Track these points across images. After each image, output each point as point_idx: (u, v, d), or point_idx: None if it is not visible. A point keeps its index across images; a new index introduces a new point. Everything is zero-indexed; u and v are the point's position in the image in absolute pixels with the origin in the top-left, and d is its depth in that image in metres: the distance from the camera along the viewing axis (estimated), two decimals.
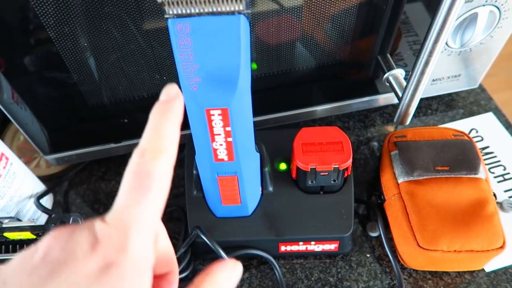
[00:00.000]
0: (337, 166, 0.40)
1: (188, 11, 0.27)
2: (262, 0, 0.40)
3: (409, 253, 0.41)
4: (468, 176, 0.42)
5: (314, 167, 0.40)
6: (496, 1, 0.43)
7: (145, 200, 0.18)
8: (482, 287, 0.42)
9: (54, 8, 0.35)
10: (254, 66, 0.48)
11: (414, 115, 0.57)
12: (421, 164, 0.42)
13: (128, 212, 0.17)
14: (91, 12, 0.36)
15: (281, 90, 0.50)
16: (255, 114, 0.52)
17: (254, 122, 0.53)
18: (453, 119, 0.56)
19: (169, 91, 0.21)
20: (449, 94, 0.58)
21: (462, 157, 0.42)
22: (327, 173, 0.41)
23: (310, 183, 0.42)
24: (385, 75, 0.49)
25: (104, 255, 0.16)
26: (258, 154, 0.39)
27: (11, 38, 0.37)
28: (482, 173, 0.42)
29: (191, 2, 0.27)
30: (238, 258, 0.43)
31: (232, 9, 0.27)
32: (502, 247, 0.38)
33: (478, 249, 0.38)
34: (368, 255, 0.44)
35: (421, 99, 0.58)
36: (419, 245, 0.39)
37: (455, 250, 0.38)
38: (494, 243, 0.38)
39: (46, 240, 0.17)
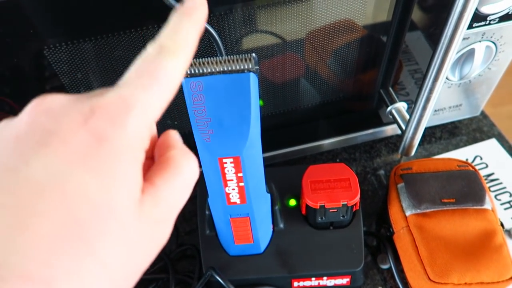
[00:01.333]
0: (346, 202, 0.41)
1: (201, 71, 0.29)
2: (267, 40, 0.42)
3: (421, 286, 0.41)
4: (475, 207, 0.43)
5: (323, 204, 0.41)
6: (492, 37, 0.45)
7: (152, 87, 0.17)
8: None
9: (66, 56, 0.37)
10: (261, 102, 0.49)
11: (419, 144, 0.58)
12: (428, 197, 0.43)
13: (133, 93, 0.17)
14: (102, 56, 0.38)
15: (288, 127, 0.52)
16: (262, 150, 0.54)
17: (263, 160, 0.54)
18: (456, 146, 0.57)
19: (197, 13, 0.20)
20: (452, 122, 0.60)
21: (468, 189, 0.43)
22: (336, 210, 0.42)
23: (320, 219, 0.43)
24: (388, 109, 0.50)
25: (98, 128, 0.16)
26: (269, 195, 0.41)
27: (25, 85, 0.39)
28: (488, 203, 0.43)
29: (203, 63, 0.29)
30: None
31: (242, 67, 0.29)
32: None
33: (489, 281, 0.39)
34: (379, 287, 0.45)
35: (425, 128, 0.59)
36: (430, 279, 0.40)
37: (465, 283, 0.39)
38: (504, 274, 0.39)
39: (32, 106, 0.16)
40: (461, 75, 0.49)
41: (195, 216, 0.53)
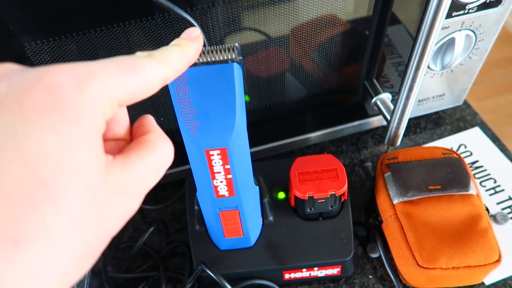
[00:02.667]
0: (334, 192, 0.41)
1: None
2: (251, 35, 0.42)
3: (410, 272, 0.42)
4: (460, 193, 0.43)
5: (312, 195, 0.41)
6: (471, 26, 0.46)
7: (124, 74, 0.18)
8: None
9: (49, 53, 0.36)
10: (247, 97, 0.50)
11: (404, 135, 0.59)
12: (414, 185, 0.44)
13: (103, 67, 0.17)
14: (85, 53, 0.37)
15: (274, 121, 0.52)
16: (250, 145, 0.54)
17: (251, 153, 0.55)
18: (441, 136, 0.58)
19: (190, 33, 0.25)
20: (436, 112, 0.61)
21: (453, 175, 0.44)
22: (324, 200, 0.42)
23: (308, 210, 0.43)
24: (373, 100, 0.51)
25: (55, 86, 0.16)
26: (257, 187, 0.41)
27: None
28: (473, 189, 0.44)
29: None
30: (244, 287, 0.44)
31: (226, 58, 0.29)
32: (498, 260, 0.40)
33: (476, 264, 0.40)
34: (371, 276, 0.45)
35: (410, 119, 0.60)
36: (418, 264, 0.40)
37: (453, 267, 0.40)
38: (490, 257, 0.40)
39: None
40: (443, 65, 0.50)
41: (184, 213, 0.53)
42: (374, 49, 0.49)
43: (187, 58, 0.23)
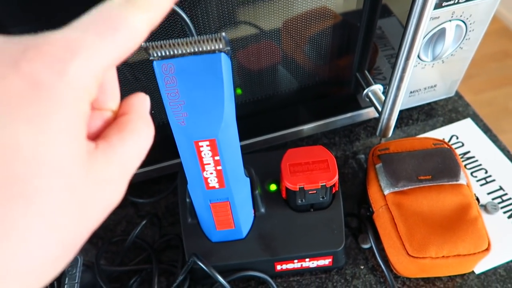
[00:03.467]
0: (324, 183, 0.42)
1: (172, 53, 0.29)
2: (243, 28, 0.42)
3: (401, 262, 0.42)
4: (450, 183, 0.43)
5: (303, 186, 0.42)
6: (461, 16, 0.46)
7: (106, 35, 0.16)
8: None
9: None
10: (239, 91, 0.50)
11: (396, 126, 0.59)
12: (405, 175, 0.44)
13: (82, 36, 0.16)
14: None
15: (267, 113, 0.52)
16: (243, 138, 0.54)
17: (243, 146, 0.55)
18: (433, 127, 0.58)
19: None
20: (428, 104, 0.61)
21: (443, 165, 0.44)
22: (315, 191, 0.43)
23: (300, 202, 0.43)
24: (365, 91, 0.51)
25: (32, 72, 0.14)
26: (248, 179, 0.41)
27: None
28: (463, 179, 0.44)
29: (174, 45, 0.28)
30: (236, 280, 0.44)
31: (213, 48, 0.29)
32: (487, 249, 0.40)
33: (465, 253, 0.40)
34: (362, 267, 0.46)
35: (402, 110, 0.60)
36: (408, 254, 0.40)
37: (443, 256, 0.40)
38: (480, 246, 0.40)
39: None
40: (434, 55, 0.50)
41: (177, 207, 0.53)
42: (365, 41, 0.49)
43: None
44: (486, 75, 1.88)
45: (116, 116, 0.20)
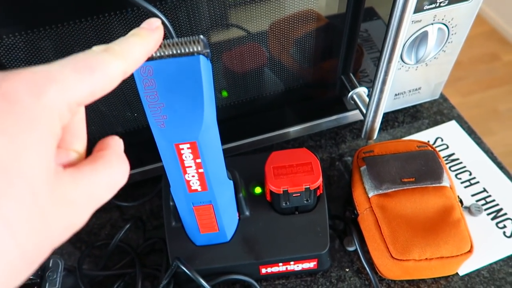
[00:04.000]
0: (308, 186, 0.41)
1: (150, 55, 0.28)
2: (228, 31, 0.42)
3: (385, 264, 0.42)
4: (433, 185, 0.44)
5: (286, 189, 0.42)
6: (443, 19, 0.47)
7: (83, 73, 0.18)
8: None
9: (24, 53, 0.36)
10: (225, 93, 0.49)
11: (382, 129, 0.59)
12: (388, 178, 0.44)
13: (61, 70, 0.17)
14: (60, 53, 0.37)
15: (252, 116, 0.52)
16: (228, 140, 0.54)
17: (228, 149, 0.54)
18: (419, 129, 0.59)
19: (151, 23, 0.24)
20: (414, 106, 0.61)
21: (426, 168, 0.44)
22: (299, 194, 0.42)
23: (284, 205, 0.43)
24: (349, 94, 0.51)
25: (11, 92, 0.16)
26: (231, 182, 0.41)
27: None
28: (446, 181, 0.44)
29: None
30: (220, 284, 0.44)
31: (191, 50, 0.28)
32: (470, 251, 0.40)
33: (448, 255, 0.40)
34: (347, 270, 0.46)
35: (387, 113, 0.61)
36: (392, 257, 0.41)
37: (426, 258, 0.40)
38: (462, 248, 0.40)
39: None
40: (417, 58, 0.50)
41: (162, 210, 0.52)
42: (349, 44, 0.49)
43: (146, 48, 0.23)
44: (474, 77, 1.90)
45: (91, 153, 0.21)
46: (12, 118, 0.15)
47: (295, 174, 0.42)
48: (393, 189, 0.44)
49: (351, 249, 0.47)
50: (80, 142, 0.21)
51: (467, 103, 1.91)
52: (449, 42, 0.50)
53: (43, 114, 0.16)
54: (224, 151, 0.49)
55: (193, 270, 0.40)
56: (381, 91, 0.44)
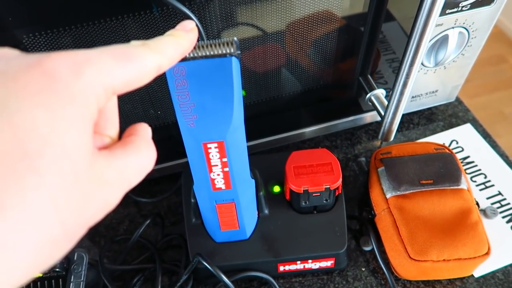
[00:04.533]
0: (328, 186, 0.42)
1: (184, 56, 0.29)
2: (248, 31, 0.42)
3: (402, 264, 0.43)
4: (451, 187, 0.44)
5: (307, 188, 0.42)
6: (464, 23, 0.47)
7: (119, 61, 0.18)
8: None
9: (46, 46, 0.36)
10: (243, 92, 0.50)
11: (397, 130, 0.60)
12: (407, 179, 0.45)
13: (99, 55, 0.18)
14: (82, 46, 0.38)
15: (270, 115, 0.53)
16: (246, 139, 0.55)
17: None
18: (434, 132, 0.59)
19: (185, 25, 0.25)
20: (429, 108, 0.62)
21: (445, 170, 0.45)
22: (319, 194, 0.43)
23: (303, 204, 0.44)
24: (367, 96, 0.52)
25: (52, 69, 0.16)
26: (253, 180, 0.41)
27: None
28: (464, 183, 0.45)
29: None
30: (239, 280, 0.45)
31: (224, 52, 0.29)
32: (487, 253, 0.41)
33: (466, 257, 0.41)
34: (363, 269, 0.46)
35: (403, 115, 0.61)
36: (410, 257, 0.41)
37: (444, 260, 0.41)
38: (480, 250, 0.41)
39: None
40: (436, 61, 0.51)
41: (180, 207, 0.53)
42: (369, 45, 0.49)
43: (181, 48, 0.24)
44: (481, 80, 1.90)
45: (122, 138, 0.22)
46: (54, 94, 0.16)
47: (316, 174, 0.43)
48: (412, 191, 0.44)
49: (367, 249, 0.47)
50: (113, 128, 0.22)
51: (474, 105, 1.90)
52: (468, 46, 0.50)
53: (82, 93, 0.17)
54: None
55: (214, 266, 0.41)
56: (401, 93, 0.44)
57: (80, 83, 0.17)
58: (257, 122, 0.53)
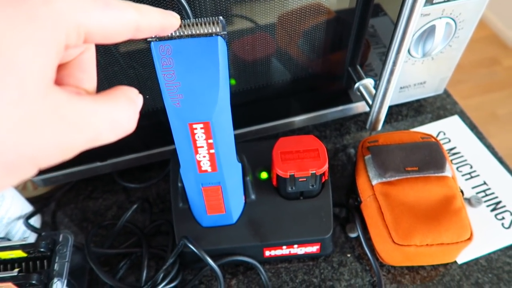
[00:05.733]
0: (314, 171, 0.42)
1: (170, 35, 0.29)
2: (238, 19, 0.43)
3: (386, 250, 0.43)
4: (436, 174, 0.45)
5: (293, 173, 0.42)
6: (451, 14, 0.47)
7: (97, 3, 0.18)
8: (455, 278, 0.45)
9: None
10: (233, 81, 0.50)
11: (386, 121, 0.60)
12: (393, 166, 0.45)
13: None
14: None
15: (259, 103, 0.53)
16: (235, 127, 0.55)
17: (235, 135, 0.55)
18: (422, 123, 0.60)
19: (169, 12, 0.25)
20: (418, 100, 0.62)
21: (430, 158, 0.45)
22: (305, 179, 0.43)
23: (290, 189, 0.44)
24: (356, 85, 0.52)
25: None
26: (239, 164, 0.42)
27: None
28: (448, 171, 0.45)
29: None
30: (225, 265, 0.45)
31: (210, 31, 0.29)
32: (470, 238, 0.41)
33: (448, 242, 0.41)
34: (349, 255, 0.47)
35: (392, 106, 0.62)
36: (394, 242, 0.42)
37: (427, 244, 0.41)
38: (462, 235, 0.41)
39: None
40: (424, 52, 0.51)
41: (169, 193, 0.53)
42: (357, 37, 0.50)
43: (162, 19, 0.23)
44: (474, 81, 1.91)
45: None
46: (18, 8, 0.15)
47: (302, 160, 0.43)
48: (397, 178, 0.45)
49: (353, 235, 0.48)
50: (90, 82, 0.21)
51: (467, 106, 1.91)
52: (455, 37, 0.51)
53: (50, 17, 0.16)
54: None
55: (201, 249, 0.41)
56: (388, 81, 0.44)
57: (49, 8, 0.16)
58: (247, 110, 0.53)
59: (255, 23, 0.43)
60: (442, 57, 0.54)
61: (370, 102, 0.50)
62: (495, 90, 1.90)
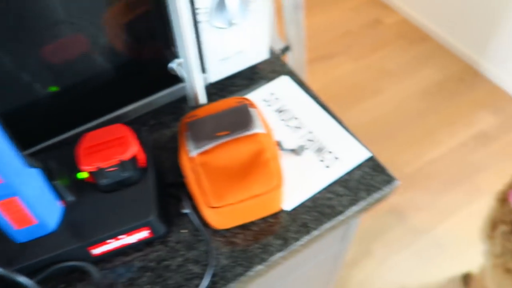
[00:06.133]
0: (121, 158, 0.42)
1: None
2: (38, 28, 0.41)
3: (209, 216, 0.44)
4: (246, 134, 0.46)
5: (99, 165, 0.42)
6: None
7: None
8: (285, 223, 0.47)
9: None
10: (53, 89, 0.48)
11: (220, 95, 0.61)
12: (205, 135, 0.46)
13: None
14: None
15: (84, 101, 0.51)
16: (62, 131, 0.53)
17: (68, 138, 0.53)
18: (254, 90, 0.62)
19: None
20: (250, 69, 0.64)
21: (239, 120, 0.47)
22: (116, 168, 0.43)
23: (104, 182, 0.43)
24: (169, 65, 0.52)
25: None
26: (34, 170, 0.40)
27: None
28: (259, 128, 0.47)
29: None
30: (54, 275, 0.43)
31: None
32: (278, 185, 0.43)
33: (259, 193, 0.43)
34: (186, 231, 0.47)
35: (224, 79, 0.63)
36: (211, 206, 0.42)
37: (241, 200, 0.43)
38: (269, 184, 0.43)
39: None
40: (228, 21, 0.52)
41: None
42: (161, 18, 0.50)
43: None
44: (362, 43, 2.04)
45: None
46: None
47: (108, 150, 0.43)
48: (211, 145, 0.46)
49: (186, 211, 0.48)
50: None
51: (360, 67, 2.04)
52: (253, 1, 0.53)
53: None
54: (61, 142, 0.48)
55: (11, 270, 0.39)
56: (189, 54, 0.45)
57: None
58: (70, 111, 0.51)
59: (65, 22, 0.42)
60: (251, 24, 0.55)
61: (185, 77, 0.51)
62: (381, 48, 2.04)
